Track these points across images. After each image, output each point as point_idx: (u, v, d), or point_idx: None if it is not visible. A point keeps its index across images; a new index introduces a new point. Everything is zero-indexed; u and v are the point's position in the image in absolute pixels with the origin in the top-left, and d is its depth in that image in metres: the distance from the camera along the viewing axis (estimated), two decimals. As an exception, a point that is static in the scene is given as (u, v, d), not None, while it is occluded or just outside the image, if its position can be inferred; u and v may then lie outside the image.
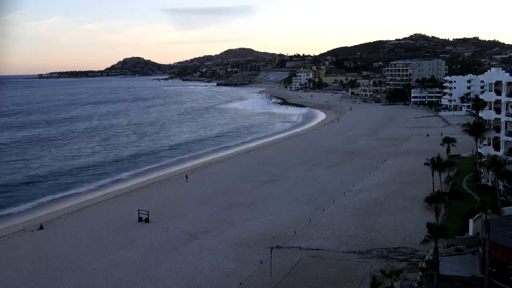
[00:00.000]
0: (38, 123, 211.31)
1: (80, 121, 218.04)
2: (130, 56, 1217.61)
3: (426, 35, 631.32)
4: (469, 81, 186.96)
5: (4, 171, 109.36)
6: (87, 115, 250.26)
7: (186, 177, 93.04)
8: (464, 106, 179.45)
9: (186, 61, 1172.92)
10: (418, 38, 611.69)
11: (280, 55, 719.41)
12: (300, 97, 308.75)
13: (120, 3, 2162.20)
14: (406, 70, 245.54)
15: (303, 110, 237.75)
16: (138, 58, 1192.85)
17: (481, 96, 79.99)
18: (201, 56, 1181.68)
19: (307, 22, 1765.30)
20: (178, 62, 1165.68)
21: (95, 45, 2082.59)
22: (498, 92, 68.69)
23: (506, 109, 67.08)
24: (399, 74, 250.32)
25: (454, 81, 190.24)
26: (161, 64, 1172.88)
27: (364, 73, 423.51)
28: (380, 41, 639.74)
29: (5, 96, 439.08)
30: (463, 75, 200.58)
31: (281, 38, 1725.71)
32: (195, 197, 78.40)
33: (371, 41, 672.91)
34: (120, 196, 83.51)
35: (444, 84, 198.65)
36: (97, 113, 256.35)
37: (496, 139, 69.87)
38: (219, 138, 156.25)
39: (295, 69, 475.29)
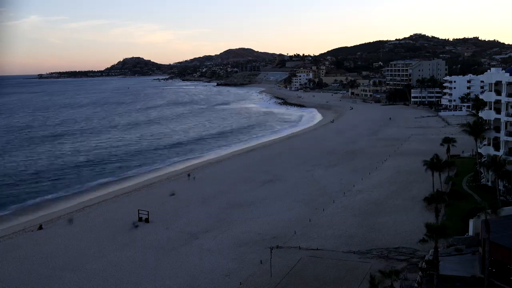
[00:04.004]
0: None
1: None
2: (130, 56, 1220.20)
3: (426, 35, 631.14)
4: (469, 81, 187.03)
5: (4, 171, 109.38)
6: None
7: (188, 175, 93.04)
8: (464, 106, 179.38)
9: (186, 61, 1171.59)
10: (418, 38, 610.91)
11: (280, 55, 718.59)
12: (300, 97, 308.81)
13: (109, 2, 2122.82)
14: (406, 70, 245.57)
15: (303, 110, 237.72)
16: (138, 58, 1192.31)
17: (481, 96, 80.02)
18: (201, 56, 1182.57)
19: (307, 22, 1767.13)
20: (178, 62, 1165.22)
21: (93, 44, 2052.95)
22: (498, 92, 68.79)
23: (506, 109, 67.18)
24: (399, 74, 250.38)
25: (454, 81, 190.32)
26: (161, 64, 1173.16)
27: (364, 73, 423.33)
28: (380, 41, 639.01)
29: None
30: (463, 75, 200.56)
31: (281, 38, 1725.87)
32: (195, 197, 78.33)
33: (371, 41, 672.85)
34: (120, 196, 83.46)
35: (444, 84, 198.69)
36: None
37: (496, 139, 69.94)
38: (218, 137, 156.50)
39: (295, 69, 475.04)
